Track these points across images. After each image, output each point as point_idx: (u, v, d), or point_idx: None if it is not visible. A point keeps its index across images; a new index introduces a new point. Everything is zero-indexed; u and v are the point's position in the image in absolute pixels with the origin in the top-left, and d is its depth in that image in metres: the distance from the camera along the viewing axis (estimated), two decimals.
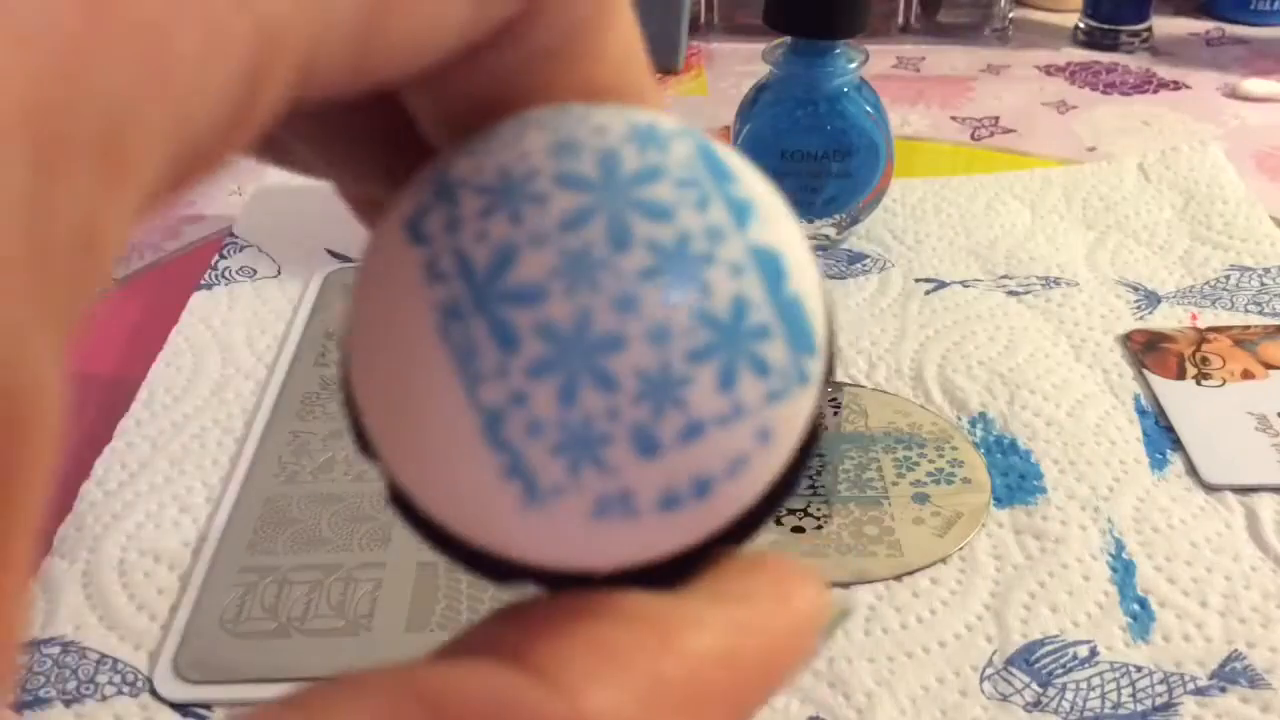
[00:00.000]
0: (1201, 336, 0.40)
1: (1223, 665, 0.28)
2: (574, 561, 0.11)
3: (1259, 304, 0.42)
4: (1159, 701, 0.28)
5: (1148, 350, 0.39)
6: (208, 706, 0.28)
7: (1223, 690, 0.28)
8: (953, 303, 0.42)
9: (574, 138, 0.11)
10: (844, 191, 0.44)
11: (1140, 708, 0.27)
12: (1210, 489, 0.33)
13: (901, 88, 0.64)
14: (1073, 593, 0.30)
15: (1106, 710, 0.27)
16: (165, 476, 0.35)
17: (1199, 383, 0.38)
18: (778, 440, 0.11)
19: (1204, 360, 0.39)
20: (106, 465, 0.35)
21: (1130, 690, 0.28)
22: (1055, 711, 0.27)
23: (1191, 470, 0.34)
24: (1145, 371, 0.38)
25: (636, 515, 0.11)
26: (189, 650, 0.29)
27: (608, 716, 0.11)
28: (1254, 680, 0.28)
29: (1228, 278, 0.43)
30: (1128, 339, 0.40)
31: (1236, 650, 0.29)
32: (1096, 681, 0.28)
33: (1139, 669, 0.28)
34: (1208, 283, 0.43)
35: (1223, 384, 0.37)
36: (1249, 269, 0.44)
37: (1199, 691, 0.28)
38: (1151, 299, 0.42)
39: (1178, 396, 0.37)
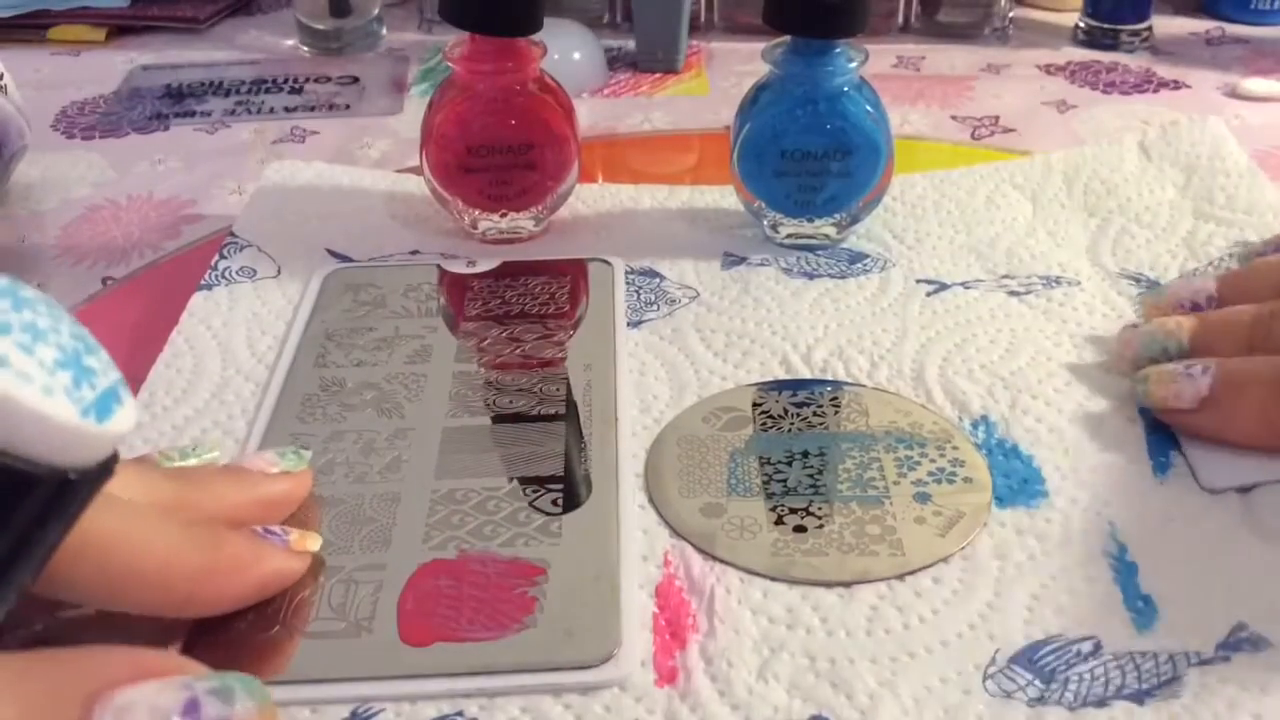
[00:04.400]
0: None
1: (1228, 637, 0.28)
2: None
3: None
4: (1164, 678, 0.28)
5: None
6: None
7: (1226, 660, 0.28)
8: (954, 305, 0.42)
9: None
10: (844, 191, 0.44)
11: (1145, 686, 0.27)
12: (1211, 493, 0.33)
13: (901, 87, 0.64)
14: (1076, 594, 0.30)
15: (1110, 694, 0.27)
16: None
17: None
18: None
19: None
20: None
21: (1135, 674, 0.28)
22: (1059, 703, 0.27)
23: (1192, 473, 0.34)
24: None
25: None
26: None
27: None
28: (1258, 644, 0.28)
29: (1231, 255, 0.43)
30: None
31: (1241, 622, 0.29)
32: (1100, 672, 0.28)
33: (1143, 654, 0.28)
34: (1210, 263, 0.43)
35: None
36: (1253, 244, 0.44)
37: (1203, 663, 0.28)
38: (1154, 290, 0.42)
39: None
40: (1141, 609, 0.30)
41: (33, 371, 0.20)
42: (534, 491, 0.33)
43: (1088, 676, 0.28)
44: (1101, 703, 0.27)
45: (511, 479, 0.34)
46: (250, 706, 0.21)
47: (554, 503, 0.33)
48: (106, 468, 0.22)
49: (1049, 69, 0.66)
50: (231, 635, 0.29)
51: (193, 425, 0.37)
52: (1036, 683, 0.28)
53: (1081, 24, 0.70)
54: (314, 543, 0.31)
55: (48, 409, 0.20)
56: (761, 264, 0.45)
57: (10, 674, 0.20)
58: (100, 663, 0.21)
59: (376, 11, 0.71)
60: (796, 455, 0.35)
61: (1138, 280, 0.43)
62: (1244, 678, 0.27)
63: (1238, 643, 0.28)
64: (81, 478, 0.21)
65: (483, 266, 0.45)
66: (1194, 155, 0.49)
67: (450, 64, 0.44)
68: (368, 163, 0.56)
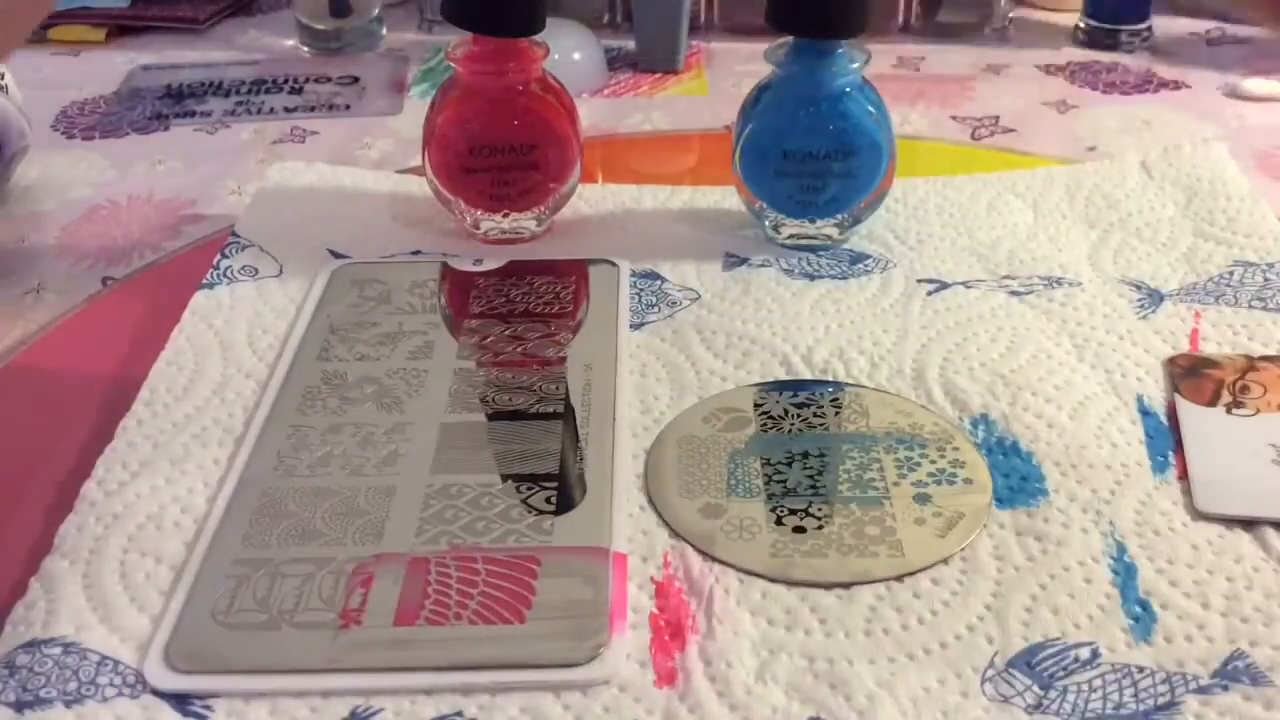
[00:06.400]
0: (1250, 364, 0.39)
1: (1225, 664, 0.28)
2: None
3: (1263, 299, 0.42)
4: (1161, 701, 0.28)
5: (1187, 375, 0.38)
6: (199, 697, 0.28)
7: (1225, 689, 0.28)
8: (955, 304, 0.42)
9: None
10: (846, 191, 0.44)
11: (1142, 708, 0.27)
12: (1206, 518, 0.32)
13: (902, 87, 0.64)
14: (1074, 595, 0.30)
15: (1108, 711, 0.27)
16: (166, 477, 0.35)
17: (1229, 411, 0.36)
18: None
19: (1243, 389, 0.37)
20: (108, 465, 0.35)
21: (1132, 691, 0.28)
22: (1056, 714, 0.27)
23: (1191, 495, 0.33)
24: (1176, 396, 0.37)
25: None
26: (180, 641, 0.29)
27: None
28: (1256, 678, 0.28)
29: (1231, 274, 0.43)
30: (1172, 362, 0.39)
31: (1239, 649, 0.29)
32: (1098, 683, 0.28)
33: (1141, 669, 0.28)
34: (1211, 279, 0.43)
35: (1255, 413, 0.36)
36: (1252, 264, 0.44)
37: (1201, 690, 0.28)
38: (1154, 297, 0.42)
39: (1201, 423, 0.36)
40: (1140, 614, 0.30)
41: None
42: (527, 488, 0.33)
43: (1086, 687, 0.28)
44: (1100, 719, 0.27)
45: (506, 476, 0.34)
46: None
47: (547, 500, 0.33)
48: None
49: (1049, 69, 0.66)
50: None
51: (193, 422, 0.37)
52: (1035, 688, 0.28)
53: (1081, 24, 0.70)
54: None
55: None
56: (763, 265, 0.45)
57: None
58: None
59: (376, 11, 0.71)
60: (797, 456, 0.35)
61: (1138, 287, 0.43)
62: (1242, 712, 0.27)
63: (1235, 673, 0.28)
64: None
65: (489, 265, 0.45)
66: (1195, 177, 0.49)
67: (452, 64, 0.44)
68: (367, 163, 0.56)
